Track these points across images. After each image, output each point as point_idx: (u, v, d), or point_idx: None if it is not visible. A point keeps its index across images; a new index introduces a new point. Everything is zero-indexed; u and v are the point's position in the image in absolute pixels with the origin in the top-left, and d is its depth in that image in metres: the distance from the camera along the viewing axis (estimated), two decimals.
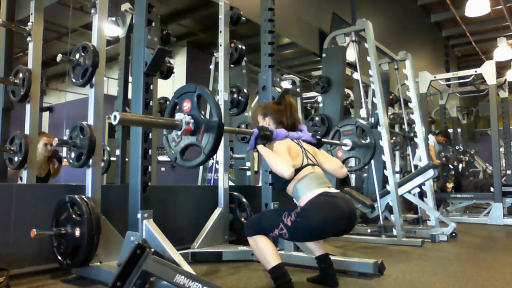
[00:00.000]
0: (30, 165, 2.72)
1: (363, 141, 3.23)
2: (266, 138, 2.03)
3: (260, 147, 2.02)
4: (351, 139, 3.25)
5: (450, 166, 6.48)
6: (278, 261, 1.88)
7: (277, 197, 2.80)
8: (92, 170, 2.27)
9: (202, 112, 1.83)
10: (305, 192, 1.93)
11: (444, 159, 6.19)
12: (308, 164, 2.03)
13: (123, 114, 1.60)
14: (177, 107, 1.92)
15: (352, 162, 3.68)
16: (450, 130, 7.39)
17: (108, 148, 3.35)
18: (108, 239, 2.23)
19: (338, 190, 2.02)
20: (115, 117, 1.56)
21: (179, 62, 7.84)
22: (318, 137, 2.34)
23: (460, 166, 7.05)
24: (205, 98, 1.79)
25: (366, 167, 4.96)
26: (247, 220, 2.00)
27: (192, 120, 1.79)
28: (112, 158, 3.33)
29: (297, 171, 1.97)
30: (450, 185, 6.45)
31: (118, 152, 3.41)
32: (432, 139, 6.35)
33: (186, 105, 1.84)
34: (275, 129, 2.08)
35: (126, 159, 3.36)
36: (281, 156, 1.93)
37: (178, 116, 1.81)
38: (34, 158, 2.77)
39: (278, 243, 2.67)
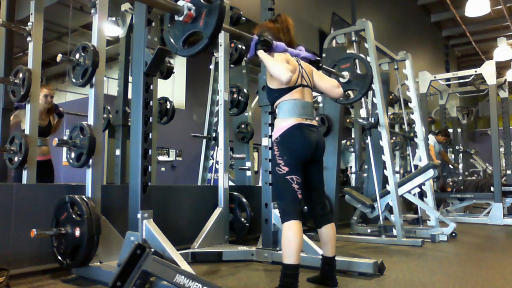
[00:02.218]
0: (30, 165, 2.72)
1: (360, 73, 3.18)
2: (266, 44, 2.01)
3: (261, 52, 1.99)
4: (348, 71, 3.21)
5: (450, 166, 6.50)
6: (296, 261, 1.86)
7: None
8: (92, 170, 2.27)
9: None
10: (284, 114, 2.00)
11: (451, 183, 6.24)
12: (301, 85, 2.05)
13: None
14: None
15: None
16: (450, 130, 7.39)
17: (109, 107, 3.49)
18: (108, 239, 2.23)
19: (315, 122, 2.07)
20: None
21: (179, 62, 7.85)
22: (318, 57, 2.31)
23: (460, 166, 7.06)
24: None
25: (366, 166, 4.97)
26: (278, 208, 2.01)
27: (193, 7, 1.75)
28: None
29: (290, 88, 2.00)
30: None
31: (118, 152, 3.42)
32: (432, 139, 6.35)
33: None
34: (275, 41, 2.07)
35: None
36: (280, 62, 1.95)
37: (180, 2, 1.77)
38: (34, 158, 2.77)
39: (278, 242, 2.68)
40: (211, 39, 1.72)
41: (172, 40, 1.85)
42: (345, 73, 3.17)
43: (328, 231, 2.11)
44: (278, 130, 2.00)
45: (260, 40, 1.99)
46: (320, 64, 2.39)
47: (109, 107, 3.54)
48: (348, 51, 4.73)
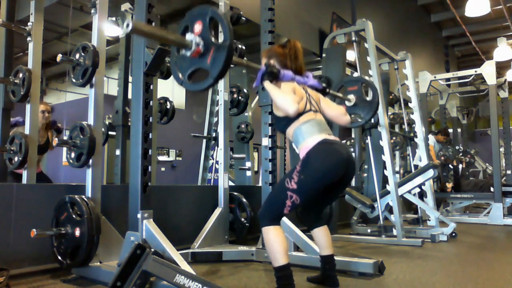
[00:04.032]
0: (30, 165, 2.72)
1: (367, 98, 3.18)
2: (273, 75, 1.98)
3: (267, 83, 1.98)
4: (355, 95, 3.21)
5: (450, 166, 6.48)
6: (286, 261, 1.85)
7: None
8: (92, 170, 2.27)
9: (213, 34, 1.73)
10: (304, 137, 1.94)
11: (443, 158, 6.19)
12: (310, 110, 2.02)
13: (136, 22, 1.53)
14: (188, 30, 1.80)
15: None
16: (450, 130, 7.39)
17: (107, 122, 3.41)
18: (108, 239, 2.23)
19: (337, 138, 2.02)
20: (127, 25, 1.48)
21: None
22: (324, 84, 2.30)
23: (460, 166, 7.05)
24: (218, 20, 1.69)
25: (366, 166, 4.97)
26: (259, 210, 1.98)
27: (202, 42, 1.70)
28: (111, 133, 3.35)
29: (299, 115, 1.97)
30: (449, 185, 6.45)
31: (118, 152, 3.41)
32: (432, 139, 6.35)
33: (197, 27, 1.73)
34: (282, 70, 2.04)
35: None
36: (286, 94, 1.93)
37: (189, 36, 1.72)
38: (34, 158, 2.77)
39: None
40: (216, 80, 1.68)
41: (178, 72, 1.81)
42: (351, 97, 3.17)
43: (321, 232, 2.12)
44: (304, 150, 1.92)
45: (267, 71, 1.98)
46: (327, 90, 2.39)
47: (107, 122, 3.50)
48: (348, 51, 4.74)
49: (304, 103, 2.01)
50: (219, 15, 1.68)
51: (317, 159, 1.88)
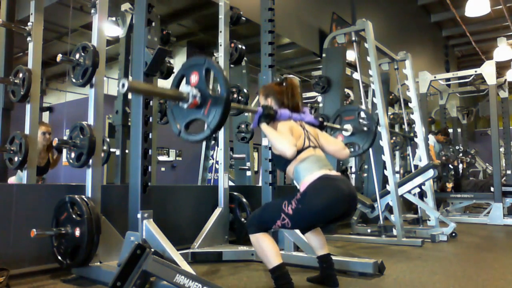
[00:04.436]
0: (30, 165, 2.72)
1: (364, 128, 3.21)
2: (270, 117, 2.01)
3: (263, 126, 2.00)
4: (352, 124, 3.24)
5: (450, 166, 6.48)
6: (279, 261, 1.87)
7: (277, 197, 2.79)
8: (92, 170, 2.27)
9: (210, 86, 1.76)
10: (305, 174, 1.93)
11: (444, 158, 6.19)
12: (309, 146, 2.03)
13: (131, 81, 1.54)
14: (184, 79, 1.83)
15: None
16: (450, 130, 7.39)
17: (108, 139, 3.33)
18: (108, 239, 2.23)
19: (339, 173, 2.01)
20: (123, 85, 1.50)
21: (179, 62, 7.84)
22: (320, 119, 2.32)
23: (460, 166, 7.05)
24: (214, 72, 1.72)
25: (366, 166, 4.97)
26: (249, 217, 1.99)
27: (199, 94, 1.72)
28: (112, 150, 3.31)
29: (298, 152, 1.96)
30: (450, 185, 6.45)
31: (118, 152, 3.41)
32: (432, 139, 6.35)
33: (194, 78, 1.76)
34: (279, 109, 2.06)
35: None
36: (284, 135, 1.93)
37: (185, 88, 1.74)
38: (34, 158, 2.77)
39: (278, 242, 2.67)
40: (214, 131, 1.69)
41: (175, 122, 1.82)
42: (348, 127, 3.21)
43: (314, 233, 2.13)
44: (304, 184, 1.91)
45: (264, 113, 1.99)
46: (324, 124, 2.42)
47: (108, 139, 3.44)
48: (348, 51, 4.73)
49: (302, 140, 2.01)
50: (215, 67, 1.71)
51: (316, 194, 1.86)
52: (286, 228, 1.95)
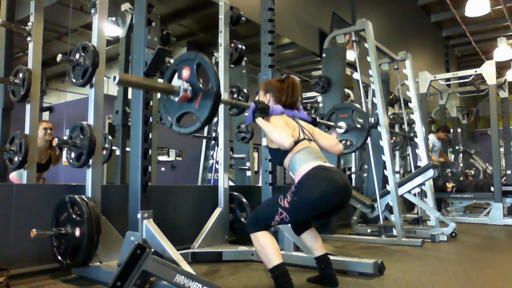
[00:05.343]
0: (30, 165, 2.72)
1: (358, 125, 3.23)
2: (264, 110, 2.02)
3: (259, 120, 2.02)
4: (346, 122, 3.26)
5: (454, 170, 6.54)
6: (279, 261, 1.87)
7: None
8: (92, 170, 2.27)
9: (201, 81, 1.79)
10: (301, 164, 1.95)
11: (450, 174, 6.26)
12: (304, 139, 2.04)
13: (123, 74, 1.58)
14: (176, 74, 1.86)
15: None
16: (450, 130, 7.39)
17: (110, 137, 3.34)
18: (108, 239, 2.23)
19: (333, 165, 2.02)
20: (114, 77, 1.54)
21: None
22: (313, 115, 2.34)
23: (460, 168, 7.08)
24: (205, 67, 1.75)
25: (366, 166, 4.97)
26: (248, 217, 2.00)
27: (190, 88, 1.75)
28: (114, 147, 3.31)
29: (294, 144, 1.98)
30: (450, 185, 6.45)
31: (118, 152, 3.41)
32: (431, 139, 6.35)
33: (185, 72, 1.79)
34: (271, 105, 2.08)
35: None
36: (280, 127, 1.96)
37: (177, 82, 1.78)
38: (34, 158, 2.77)
39: (278, 242, 2.67)
40: (204, 124, 1.73)
41: (167, 115, 1.87)
42: (342, 124, 3.23)
43: (309, 235, 2.14)
44: (299, 174, 1.93)
45: (257, 107, 2.01)
46: (318, 120, 2.44)
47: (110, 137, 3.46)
48: (348, 51, 4.74)
49: (297, 133, 2.03)
50: (206, 62, 1.74)
51: (310, 184, 1.87)
52: (285, 223, 1.95)
